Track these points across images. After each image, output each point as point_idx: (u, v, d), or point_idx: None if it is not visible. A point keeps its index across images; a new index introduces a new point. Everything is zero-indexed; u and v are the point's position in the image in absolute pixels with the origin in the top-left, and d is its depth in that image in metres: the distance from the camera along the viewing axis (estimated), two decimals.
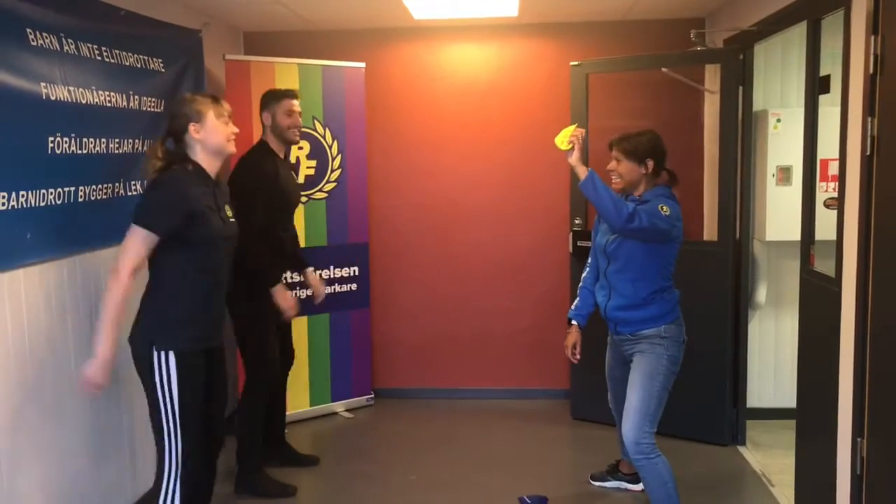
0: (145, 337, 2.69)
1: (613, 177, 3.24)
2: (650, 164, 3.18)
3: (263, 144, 3.76)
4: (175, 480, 2.71)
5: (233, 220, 2.89)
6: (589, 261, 3.52)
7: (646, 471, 3.15)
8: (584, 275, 3.54)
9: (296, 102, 3.77)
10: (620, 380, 3.40)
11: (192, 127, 2.74)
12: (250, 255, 3.40)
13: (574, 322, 3.48)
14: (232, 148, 2.83)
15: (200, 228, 2.68)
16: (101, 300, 2.66)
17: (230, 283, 2.95)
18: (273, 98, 3.76)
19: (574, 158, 3.04)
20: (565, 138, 3.05)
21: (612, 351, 3.50)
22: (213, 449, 2.96)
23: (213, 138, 2.76)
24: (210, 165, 2.79)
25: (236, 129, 2.85)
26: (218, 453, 3.03)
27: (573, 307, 3.52)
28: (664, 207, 3.07)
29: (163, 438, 2.71)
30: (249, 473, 3.74)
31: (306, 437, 4.50)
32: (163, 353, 2.66)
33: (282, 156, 3.80)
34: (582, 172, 3.01)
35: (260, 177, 3.62)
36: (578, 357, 3.47)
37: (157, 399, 2.68)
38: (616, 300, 3.25)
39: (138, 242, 2.61)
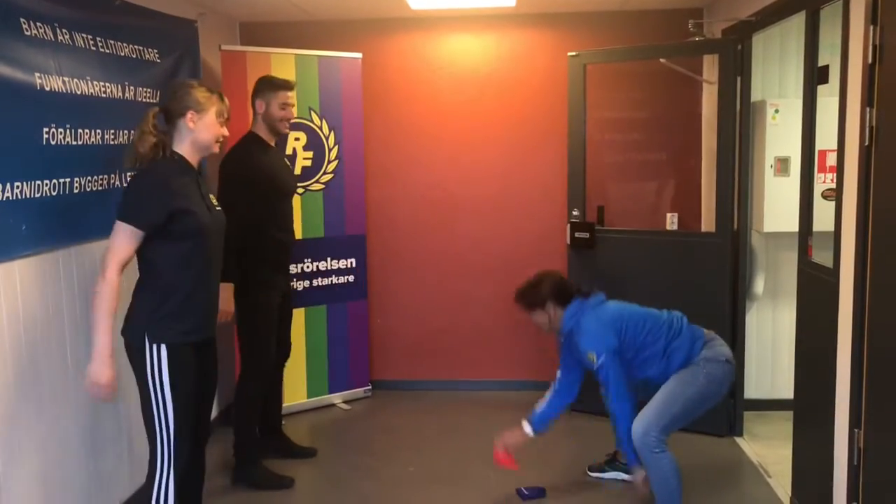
0: (137, 329, 2.65)
1: (538, 327, 3.54)
2: (551, 306, 3.43)
3: (253, 135, 3.71)
4: (168, 476, 2.68)
5: (219, 208, 2.86)
6: (559, 371, 3.54)
7: (649, 463, 3.18)
8: (557, 376, 3.55)
9: (291, 94, 3.71)
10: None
11: (189, 114, 2.68)
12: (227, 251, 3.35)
13: (525, 425, 3.53)
14: (216, 149, 2.81)
15: (189, 220, 2.62)
16: (91, 302, 2.61)
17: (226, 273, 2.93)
18: (270, 87, 3.69)
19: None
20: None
21: None
22: (202, 441, 2.93)
23: (204, 134, 2.72)
24: (192, 158, 2.75)
25: (227, 133, 2.82)
26: (205, 445, 2.98)
27: (537, 408, 3.53)
28: (590, 355, 3.27)
29: (155, 434, 2.68)
30: (246, 465, 3.75)
31: (304, 428, 4.49)
32: (155, 346, 2.62)
33: (272, 143, 3.75)
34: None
35: (251, 171, 3.58)
36: (512, 464, 3.54)
37: (149, 394, 2.65)
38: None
39: (124, 239, 2.57)
